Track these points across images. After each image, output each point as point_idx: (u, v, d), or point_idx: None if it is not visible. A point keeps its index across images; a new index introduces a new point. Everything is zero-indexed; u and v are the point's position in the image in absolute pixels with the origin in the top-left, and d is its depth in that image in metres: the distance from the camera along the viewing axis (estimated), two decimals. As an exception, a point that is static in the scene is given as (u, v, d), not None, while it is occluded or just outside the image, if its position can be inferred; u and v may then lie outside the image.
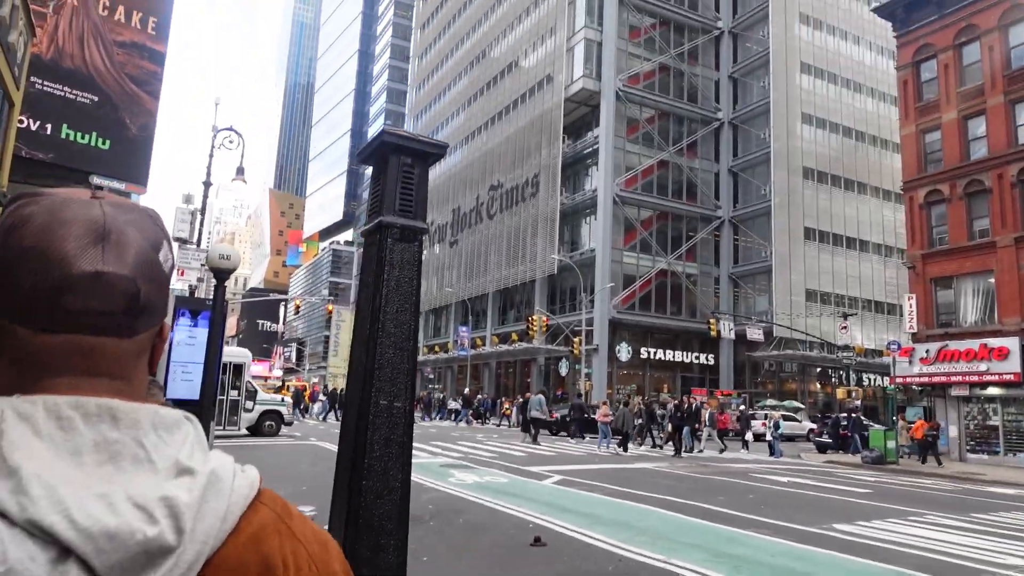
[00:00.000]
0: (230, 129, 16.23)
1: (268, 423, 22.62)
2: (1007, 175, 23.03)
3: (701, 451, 24.42)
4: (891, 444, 22.00)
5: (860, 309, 47.22)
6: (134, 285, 0.70)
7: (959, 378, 23.08)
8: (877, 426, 22.55)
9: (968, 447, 23.22)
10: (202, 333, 10.18)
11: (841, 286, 47.03)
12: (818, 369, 48.46)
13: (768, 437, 25.33)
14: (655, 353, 45.86)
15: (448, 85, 68.97)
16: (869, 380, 48.33)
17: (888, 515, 11.22)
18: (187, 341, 10.11)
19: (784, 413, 36.20)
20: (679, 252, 47.53)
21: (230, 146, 15.95)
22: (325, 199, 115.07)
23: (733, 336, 38.60)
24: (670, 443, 25.01)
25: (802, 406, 40.77)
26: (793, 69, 47.88)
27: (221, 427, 21.04)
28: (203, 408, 8.39)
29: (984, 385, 22.66)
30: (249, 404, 21.65)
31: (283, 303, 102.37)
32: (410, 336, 3.35)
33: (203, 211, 15.84)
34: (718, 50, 52.70)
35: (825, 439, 28.53)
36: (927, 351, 23.97)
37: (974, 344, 22.84)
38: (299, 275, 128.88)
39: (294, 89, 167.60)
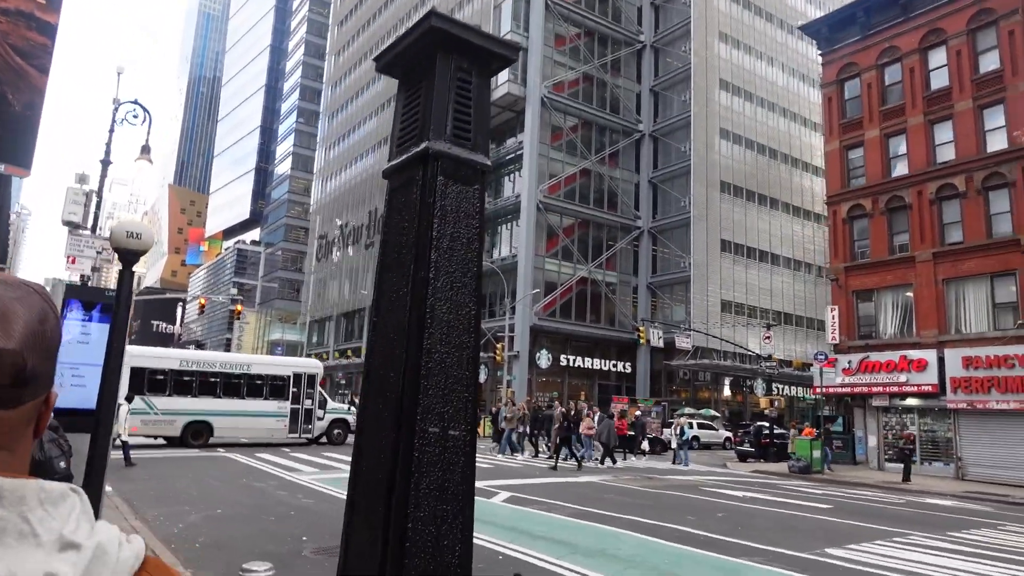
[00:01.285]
0: (135, 103, 14.35)
1: (336, 431, 24.26)
2: (926, 192, 23.82)
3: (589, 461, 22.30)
4: (816, 454, 22.15)
5: (771, 320, 48.58)
6: (20, 358, 0.71)
7: (880, 389, 23.61)
8: (802, 436, 22.72)
9: (886, 456, 23.77)
10: (98, 329, 8.58)
11: (755, 298, 48.26)
12: (729, 379, 49.49)
13: (673, 444, 25.18)
14: (574, 360, 45.58)
15: (366, 84, 66.93)
16: (777, 389, 49.78)
17: (872, 536, 10.78)
18: (79, 339, 8.47)
19: (701, 421, 36.61)
20: (599, 260, 47.53)
21: (134, 121, 14.09)
22: (230, 197, 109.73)
23: (662, 344, 38.79)
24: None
25: (718, 415, 41.37)
26: (712, 85, 48.94)
27: (296, 435, 22.56)
28: (99, 421, 6.85)
29: (903, 396, 23.27)
30: (320, 413, 23.39)
31: (181, 303, 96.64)
32: (472, 327, 2.23)
33: (100, 192, 13.89)
34: (640, 63, 53.31)
35: (746, 447, 28.73)
36: (849, 362, 24.45)
37: (894, 356, 23.44)
38: (199, 275, 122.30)
39: (198, 83, 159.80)
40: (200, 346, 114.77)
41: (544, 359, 43.46)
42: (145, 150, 14.44)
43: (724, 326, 43.82)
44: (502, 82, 46.77)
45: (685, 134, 48.90)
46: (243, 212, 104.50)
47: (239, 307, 43.42)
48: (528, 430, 26.30)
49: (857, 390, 24.27)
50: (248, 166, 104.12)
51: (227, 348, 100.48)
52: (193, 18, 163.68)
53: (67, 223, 13.27)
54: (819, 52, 28.40)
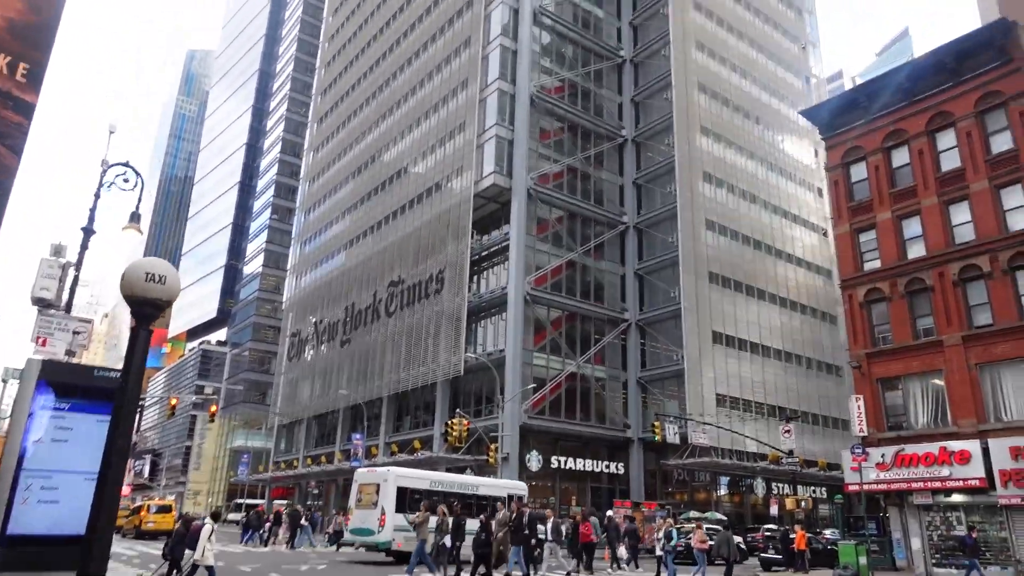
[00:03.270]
0: (126, 165, 12.62)
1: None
2: (948, 273, 22.90)
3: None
4: (863, 560, 19.95)
5: (766, 416, 46.87)
6: None
7: (920, 484, 21.72)
8: (845, 541, 20.49)
9: (933, 560, 21.61)
10: (83, 422, 6.47)
11: (749, 392, 46.65)
12: (727, 479, 47.10)
13: (658, 551, 21.93)
14: (565, 462, 42.90)
15: (345, 179, 66.42)
16: (778, 489, 47.44)
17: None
18: (55, 435, 6.34)
19: (708, 526, 33.91)
20: (588, 355, 45.78)
21: (125, 185, 12.31)
22: (197, 295, 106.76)
23: (678, 440, 36.70)
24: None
25: (724, 517, 38.69)
26: (696, 178, 49.12)
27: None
28: (91, 554, 4.53)
29: (948, 492, 21.40)
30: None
31: (138, 409, 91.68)
32: None
33: (79, 264, 11.87)
34: (622, 157, 53.67)
35: (771, 554, 26.28)
36: (882, 456, 22.64)
37: (933, 448, 21.72)
38: (158, 379, 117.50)
39: (169, 182, 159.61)
40: (158, 455, 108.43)
41: (535, 461, 40.82)
42: (134, 218, 12.58)
43: (721, 421, 41.87)
44: (487, 173, 46.33)
45: (669, 226, 48.56)
46: (210, 311, 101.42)
47: (214, 408, 40.06)
48: (451, 542, 19.56)
49: (895, 487, 22.33)
50: (217, 263, 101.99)
51: (186, 456, 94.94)
52: (168, 119, 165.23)
53: (37, 300, 11.17)
54: (821, 136, 28.16)
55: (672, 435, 33.70)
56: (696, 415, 40.99)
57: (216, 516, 13.50)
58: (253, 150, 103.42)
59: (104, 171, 12.40)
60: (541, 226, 46.91)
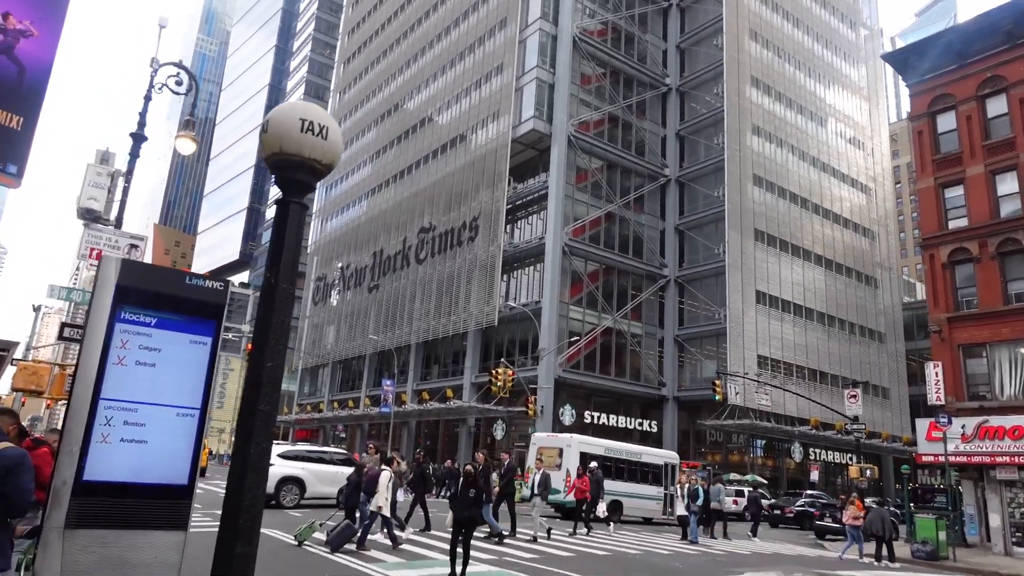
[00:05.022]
0: (178, 65, 11.14)
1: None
2: (1048, 234, 21.11)
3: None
4: (943, 536, 18.70)
5: (807, 379, 45.50)
6: None
7: (1006, 459, 20.35)
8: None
9: (1014, 539, 20.36)
10: (173, 343, 5.10)
11: (791, 354, 45.19)
12: (763, 442, 46.03)
13: (680, 510, 20.35)
14: (598, 417, 41.93)
15: (373, 122, 64.40)
16: (815, 455, 46.37)
17: None
18: (139, 357, 4.97)
19: (749, 490, 32.79)
20: (624, 310, 44.41)
21: (177, 88, 10.86)
22: (219, 237, 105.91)
23: (740, 401, 35.75)
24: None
25: (764, 480, 37.77)
26: (745, 130, 46.86)
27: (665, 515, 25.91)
28: (238, 534, 2.99)
29: (1037, 467, 20.02)
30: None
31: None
32: None
33: (130, 173, 10.48)
34: (665, 106, 51.37)
35: (828, 522, 25.17)
36: (963, 427, 21.21)
37: (1021, 420, 20.26)
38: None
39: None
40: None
41: (568, 415, 39.82)
42: (187, 125, 11.10)
43: (761, 384, 40.53)
44: (526, 118, 44.32)
45: (713, 180, 46.57)
46: (232, 253, 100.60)
47: (249, 345, 38.98)
48: (410, 493, 17.04)
49: (975, 459, 20.98)
50: (240, 206, 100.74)
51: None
52: (188, 59, 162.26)
53: (85, 212, 9.84)
54: (906, 83, 26.05)
55: (733, 395, 32.39)
56: (735, 376, 39.64)
57: (389, 462, 12.92)
58: (276, 91, 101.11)
59: (154, 71, 10.87)
60: (580, 175, 45.07)
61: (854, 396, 26.96)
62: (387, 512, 12.16)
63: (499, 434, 41.16)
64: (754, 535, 21.70)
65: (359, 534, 11.85)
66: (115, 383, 4.83)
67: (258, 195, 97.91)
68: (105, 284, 5.05)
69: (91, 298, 5.22)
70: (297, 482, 18.84)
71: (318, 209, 70.63)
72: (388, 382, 42.76)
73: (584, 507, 19.33)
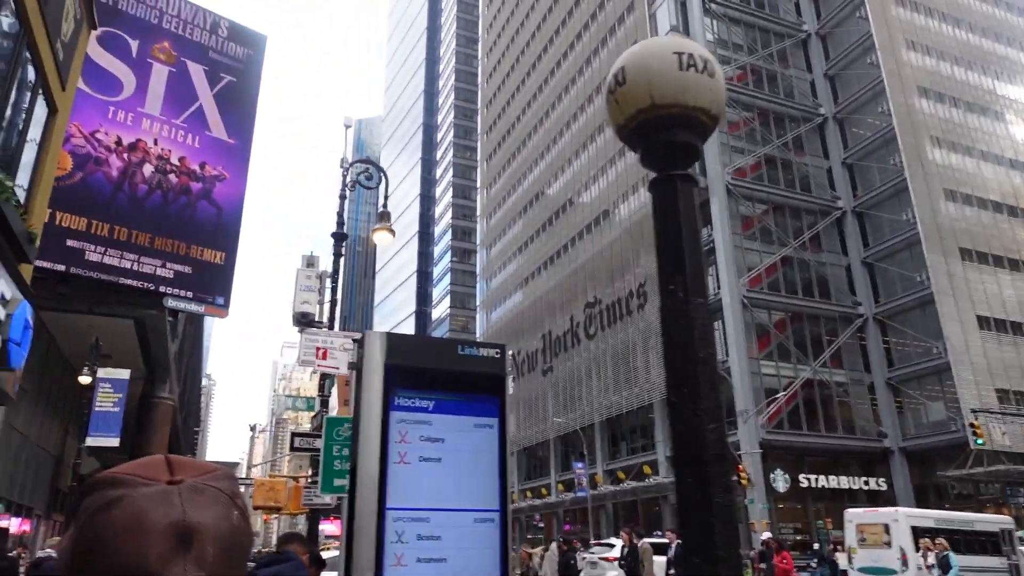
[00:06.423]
0: (366, 162, 11.33)
1: None
2: None
3: None
4: None
5: (1061, 410, 38.81)
6: None
7: None
8: None
9: None
10: (454, 430, 4.26)
11: (1034, 383, 38.99)
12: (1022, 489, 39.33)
13: None
14: (816, 480, 37.84)
15: (522, 209, 65.80)
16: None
17: None
18: (422, 451, 4.11)
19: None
20: (822, 359, 40.56)
21: (368, 183, 10.98)
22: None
23: (1007, 441, 31.29)
24: None
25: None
26: (923, 145, 42.77)
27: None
28: None
29: None
30: None
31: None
32: None
33: (335, 273, 10.57)
34: (824, 137, 48.28)
35: None
36: None
37: None
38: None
39: (354, 242, 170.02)
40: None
41: (780, 481, 36.12)
42: (384, 217, 11.10)
43: (1007, 420, 34.95)
44: (680, 175, 43.05)
45: (896, 203, 42.45)
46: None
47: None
48: None
49: None
50: (407, 311, 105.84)
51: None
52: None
53: (300, 316, 9.88)
54: None
55: (1000, 435, 28.31)
56: (972, 416, 34.43)
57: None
58: (427, 200, 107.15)
59: (346, 169, 11.02)
60: (746, 223, 42.75)
61: None
62: None
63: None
64: None
65: None
66: (400, 488, 4.00)
67: (423, 299, 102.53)
68: (372, 366, 4.28)
69: (356, 387, 4.55)
70: None
71: (481, 302, 72.32)
72: (579, 465, 41.35)
73: None
